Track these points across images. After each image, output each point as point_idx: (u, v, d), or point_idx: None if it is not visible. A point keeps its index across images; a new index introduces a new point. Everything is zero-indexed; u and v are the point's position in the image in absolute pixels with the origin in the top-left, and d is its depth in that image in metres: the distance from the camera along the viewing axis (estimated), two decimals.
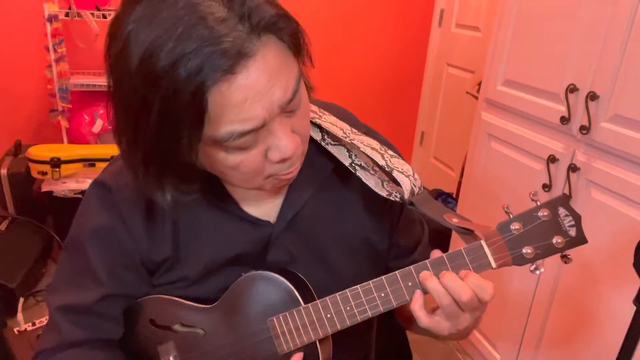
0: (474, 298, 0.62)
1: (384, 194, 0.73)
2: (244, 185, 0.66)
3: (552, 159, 1.40)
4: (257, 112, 0.55)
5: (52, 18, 2.17)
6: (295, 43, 0.58)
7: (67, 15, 2.24)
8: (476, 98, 2.13)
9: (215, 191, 0.74)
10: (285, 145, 0.59)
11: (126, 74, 0.54)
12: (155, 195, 0.64)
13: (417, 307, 0.65)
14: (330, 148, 0.75)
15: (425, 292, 0.66)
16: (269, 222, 0.76)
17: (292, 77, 0.58)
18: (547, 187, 1.42)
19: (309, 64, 0.63)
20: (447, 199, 2.60)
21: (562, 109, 1.36)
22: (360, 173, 0.74)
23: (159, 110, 0.53)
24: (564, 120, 1.34)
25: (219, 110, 0.54)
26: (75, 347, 0.76)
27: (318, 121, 0.74)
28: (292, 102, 0.58)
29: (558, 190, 1.40)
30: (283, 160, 0.61)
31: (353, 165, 0.75)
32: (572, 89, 1.31)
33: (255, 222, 0.75)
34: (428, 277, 0.64)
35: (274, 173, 0.64)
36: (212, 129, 0.55)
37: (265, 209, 0.76)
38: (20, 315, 1.98)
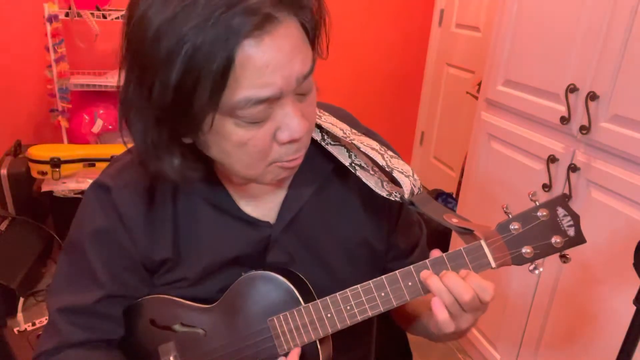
0: (475, 298, 0.63)
1: (384, 193, 0.73)
2: (245, 171, 0.65)
3: (552, 159, 1.40)
4: (275, 80, 0.56)
5: (52, 18, 2.17)
6: (312, 27, 0.61)
7: (67, 15, 2.24)
8: (476, 98, 2.13)
9: (214, 191, 0.74)
10: (297, 124, 0.60)
11: (151, 30, 0.54)
12: (164, 161, 0.63)
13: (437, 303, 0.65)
14: (330, 148, 0.75)
15: (426, 292, 0.66)
16: (268, 222, 0.76)
17: (309, 56, 0.60)
18: (547, 187, 1.42)
19: (320, 56, 0.65)
20: (447, 199, 2.60)
21: (562, 109, 1.36)
22: (360, 173, 0.74)
23: (184, 65, 0.54)
24: (564, 120, 1.34)
25: (241, 71, 0.55)
26: (76, 347, 0.76)
27: (318, 121, 0.74)
28: (306, 82, 0.60)
29: (558, 190, 1.40)
30: (291, 142, 0.62)
31: (353, 165, 0.75)
32: (572, 89, 1.31)
33: (255, 223, 0.75)
34: (429, 276, 0.65)
35: (279, 158, 0.64)
36: (231, 92, 0.56)
37: (264, 209, 0.76)
38: (20, 315, 1.98)
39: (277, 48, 0.55)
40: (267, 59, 0.55)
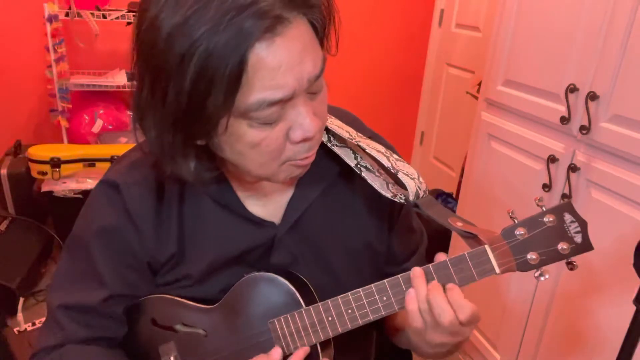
0: (454, 320, 0.63)
1: (388, 195, 0.72)
2: (258, 170, 0.65)
3: (552, 159, 1.40)
4: (288, 81, 0.57)
5: (52, 18, 2.17)
6: (321, 26, 0.61)
7: (67, 15, 2.23)
8: (476, 98, 2.13)
9: (221, 191, 0.74)
10: (309, 123, 0.60)
11: (162, 36, 0.55)
12: (180, 164, 0.64)
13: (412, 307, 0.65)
14: (336, 149, 0.76)
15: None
16: (273, 223, 0.76)
17: (319, 56, 0.60)
18: (547, 187, 1.42)
19: (328, 53, 0.65)
20: (447, 199, 2.60)
21: (562, 109, 1.36)
22: (365, 174, 0.74)
23: (197, 70, 0.54)
24: (564, 120, 1.34)
25: (254, 74, 0.55)
26: (78, 344, 0.75)
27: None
28: (318, 81, 0.60)
29: (558, 190, 1.40)
30: (304, 141, 0.62)
31: (359, 166, 0.75)
32: (572, 89, 1.31)
33: (260, 222, 0.75)
34: (418, 276, 0.65)
35: (292, 157, 0.64)
36: (244, 95, 0.56)
37: (270, 210, 0.76)
38: (20, 315, 1.98)
39: (288, 49, 0.56)
40: (279, 61, 0.55)
